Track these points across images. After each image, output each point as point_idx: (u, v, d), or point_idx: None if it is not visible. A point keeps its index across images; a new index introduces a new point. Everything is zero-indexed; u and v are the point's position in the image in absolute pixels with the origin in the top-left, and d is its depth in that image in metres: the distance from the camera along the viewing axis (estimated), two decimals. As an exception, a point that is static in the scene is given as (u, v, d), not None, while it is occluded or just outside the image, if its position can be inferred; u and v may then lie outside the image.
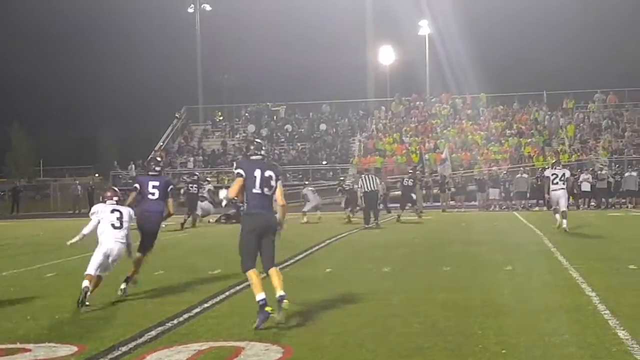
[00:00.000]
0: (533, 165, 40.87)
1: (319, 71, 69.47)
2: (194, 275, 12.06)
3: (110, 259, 9.69)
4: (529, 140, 46.07)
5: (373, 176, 24.58)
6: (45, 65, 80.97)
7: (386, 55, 63.43)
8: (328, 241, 18.15)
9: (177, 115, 52.92)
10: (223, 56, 71.04)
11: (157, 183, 10.39)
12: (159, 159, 13.97)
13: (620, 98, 50.74)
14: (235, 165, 8.98)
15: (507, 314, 8.21)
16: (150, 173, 10.63)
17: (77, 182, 47.21)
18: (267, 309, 7.76)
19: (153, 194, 10.42)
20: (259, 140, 9.20)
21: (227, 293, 10.04)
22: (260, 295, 7.89)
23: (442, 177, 37.31)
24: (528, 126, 48.30)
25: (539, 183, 34.68)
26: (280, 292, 7.99)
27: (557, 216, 19.29)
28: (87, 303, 9.09)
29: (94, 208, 10.20)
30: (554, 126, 48.14)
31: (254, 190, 8.22)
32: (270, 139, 51.30)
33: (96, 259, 9.57)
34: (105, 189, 11.74)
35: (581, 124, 48.55)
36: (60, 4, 75.31)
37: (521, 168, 37.26)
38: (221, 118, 55.92)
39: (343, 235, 20.23)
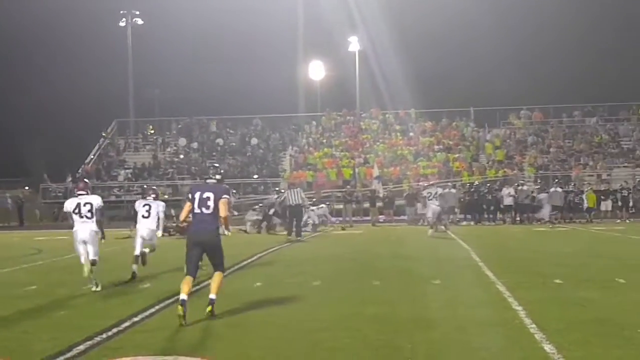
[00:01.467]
0: (461, 180, 41.53)
1: (250, 86, 69.28)
2: (123, 290, 11.87)
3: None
4: (457, 155, 46.82)
5: (298, 190, 25.23)
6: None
7: (316, 71, 63.75)
8: (258, 255, 18.07)
9: (103, 134, 52.13)
10: (154, 70, 70.35)
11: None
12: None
13: (546, 115, 52.04)
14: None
15: (436, 328, 8.28)
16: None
17: (7, 194, 46.15)
18: (179, 308, 8.78)
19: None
20: (216, 165, 10.94)
21: (156, 307, 9.90)
22: (182, 295, 9.01)
23: (371, 191, 37.62)
24: (455, 142, 49.08)
25: (467, 198, 35.39)
26: (211, 295, 9.29)
27: (430, 230, 24.30)
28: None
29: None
30: (481, 142, 49.07)
31: (195, 210, 9.63)
32: (202, 152, 51.00)
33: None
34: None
35: (507, 140, 49.60)
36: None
37: (449, 183, 37.78)
38: (152, 131, 55.33)
39: (273, 249, 20.17)
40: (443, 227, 27.72)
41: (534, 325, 8.24)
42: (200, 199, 9.63)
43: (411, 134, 51.12)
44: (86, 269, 12.07)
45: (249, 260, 16.71)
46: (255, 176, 46.35)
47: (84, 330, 8.39)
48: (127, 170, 49.11)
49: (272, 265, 16.02)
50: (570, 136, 49.55)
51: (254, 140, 51.94)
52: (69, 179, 46.33)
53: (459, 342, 7.52)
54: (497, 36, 70.43)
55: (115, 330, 8.42)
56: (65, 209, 12.73)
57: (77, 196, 12.61)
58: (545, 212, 32.83)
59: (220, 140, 52.34)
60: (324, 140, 50.89)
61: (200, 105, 60.97)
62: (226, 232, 10.29)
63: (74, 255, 18.46)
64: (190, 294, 9.15)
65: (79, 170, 49.05)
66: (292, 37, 59.74)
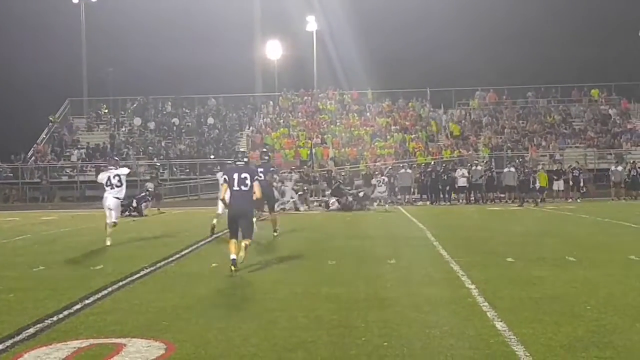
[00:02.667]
0: (417, 161, 41.78)
1: (206, 65, 68.68)
2: (75, 271, 11.74)
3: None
4: (413, 136, 47.05)
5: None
6: None
7: (274, 50, 63.42)
8: (215, 236, 18.00)
9: (51, 118, 51.24)
10: (108, 48, 69.35)
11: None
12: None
13: (500, 96, 52.52)
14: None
15: (390, 306, 8.33)
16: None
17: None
18: (232, 268, 11.06)
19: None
20: (242, 150, 13.04)
21: (109, 289, 9.80)
22: (232, 255, 11.27)
23: (328, 172, 37.70)
24: (412, 122, 49.31)
25: (423, 178, 35.65)
26: (232, 256, 11.28)
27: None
28: None
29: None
30: (437, 123, 49.40)
31: (234, 188, 11.61)
32: (157, 132, 50.51)
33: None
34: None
35: (463, 121, 49.97)
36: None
37: (405, 163, 37.99)
38: (106, 111, 54.58)
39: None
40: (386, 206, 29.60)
41: (486, 303, 8.35)
42: (239, 179, 11.69)
43: (368, 114, 51.22)
44: (108, 229, 16.06)
45: (206, 241, 16.65)
46: (212, 156, 46.09)
47: (33, 313, 8.29)
48: (80, 150, 48.43)
49: (227, 246, 15.96)
50: (523, 117, 50.09)
51: (210, 120, 51.59)
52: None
53: (413, 321, 7.58)
54: (453, 18, 70.95)
55: (66, 312, 8.32)
56: (98, 180, 16.97)
57: (108, 170, 16.54)
58: None
59: (176, 120, 51.87)
60: (281, 121, 50.74)
61: (155, 85, 60.29)
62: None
63: (23, 237, 18.42)
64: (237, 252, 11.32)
65: (32, 148, 48.30)
66: (249, 16, 59.28)
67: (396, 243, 15.68)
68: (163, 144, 48.88)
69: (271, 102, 53.81)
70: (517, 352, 6.34)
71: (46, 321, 7.85)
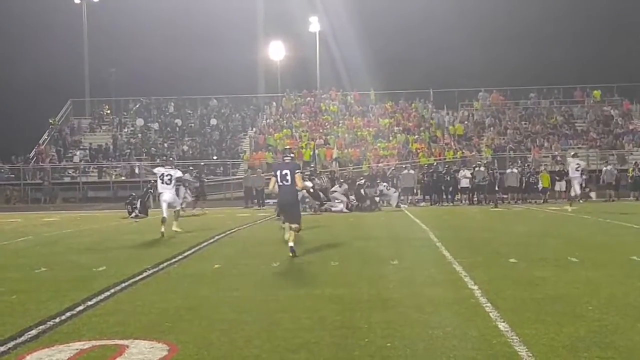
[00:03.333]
0: (419, 162, 41.79)
1: (209, 66, 68.79)
2: (77, 273, 11.73)
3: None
4: (416, 136, 47.06)
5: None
6: None
7: (277, 51, 63.46)
8: (217, 237, 18.02)
9: (51, 121, 51.26)
10: (111, 49, 69.43)
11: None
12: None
13: (503, 97, 52.53)
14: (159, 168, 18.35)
15: (393, 307, 8.33)
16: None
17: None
18: (290, 255, 13.14)
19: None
20: (288, 147, 16.31)
21: (111, 290, 9.81)
22: (290, 244, 13.42)
23: (331, 172, 37.72)
24: (415, 123, 49.30)
25: (425, 179, 35.64)
26: (290, 243, 13.37)
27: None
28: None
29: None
30: (439, 123, 49.40)
31: (279, 183, 13.56)
32: (160, 133, 50.53)
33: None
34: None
35: (466, 122, 49.97)
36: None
37: (408, 164, 38.00)
38: (108, 112, 54.64)
39: (232, 230, 20.13)
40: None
41: (489, 304, 8.34)
42: (281, 175, 13.52)
43: (371, 115, 51.24)
44: (164, 221, 18.26)
45: (208, 242, 16.66)
46: (215, 157, 46.13)
47: (35, 314, 8.28)
48: (82, 151, 48.48)
49: (230, 247, 15.99)
50: (526, 118, 50.08)
51: (213, 121, 51.60)
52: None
53: (416, 321, 7.59)
54: (456, 19, 70.92)
55: (69, 314, 8.32)
56: (154, 171, 20.52)
57: (164, 168, 19.23)
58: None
59: (178, 121, 51.90)
60: (284, 122, 50.76)
61: (157, 85, 60.42)
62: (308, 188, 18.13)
63: (25, 239, 18.47)
64: None
65: (34, 149, 48.35)
66: (252, 16, 59.48)
67: (399, 244, 15.68)
68: (166, 144, 48.90)
69: (274, 103, 53.85)
70: (520, 352, 6.34)
71: (48, 323, 7.85)
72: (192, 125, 51.59)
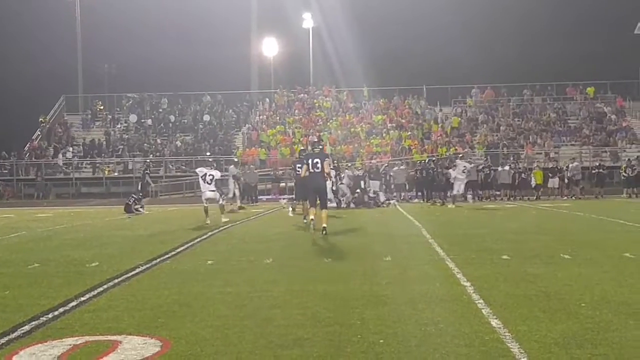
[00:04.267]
0: (412, 158, 41.81)
1: (203, 62, 68.69)
2: (70, 269, 11.71)
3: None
4: (409, 133, 47.09)
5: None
6: None
7: (270, 47, 63.42)
8: (210, 233, 18.01)
9: (41, 119, 51.03)
10: (104, 45, 69.23)
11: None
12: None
13: (496, 93, 52.57)
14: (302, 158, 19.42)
15: (386, 304, 8.34)
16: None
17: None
18: (311, 229, 17.01)
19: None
20: (315, 139, 20.94)
21: (104, 286, 9.80)
22: (310, 216, 17.46)
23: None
24: (408, 119, 49.34)
25: (417, 176, 35.60)
26: (323, 224, 16.34)
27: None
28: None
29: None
30: (433, 119, 49.44)
31: (310, 170, 16.74)
32: (153, 129, 50.44)
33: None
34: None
35: (459, 118, 50.04)
36: None
37: (399, 161, 38.00)
38: (102, 108, 54.50)
39: (225, 227, 20.11)
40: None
41: (481, 301, 8.36)
42: (312, 163, 16.67)
43: (364, 111, 51.25)
44: (206, 213, 20.73)
45: (201, 238, 16.65)
46: (208, 153, 46.11)
47: (29, 310, 8.27)
48: (76, 147, 48.37)
49: (223, 243, 15.98)
50: (519, 115, 50.16)
51: (206, 117, 51.55)
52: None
53: (409, 318, 7.60)
54: (450, 15, 70.93)
55: (61, 309, 8.31)
56: (197, 171, 22.06)
57: (205, 168, 21.39)
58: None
59: (172, 117, 51.83)
60: (277, 118, 50.73)
61: (151, 81, 60.31)
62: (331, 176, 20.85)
63: (18, 234, 18.44)
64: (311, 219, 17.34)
65: (27, 146, 48.23)
66: (246, 13, 59.36)
67: (392, 240, 15.70)
68: (159, 140, 48.83)
69: (267, 99, 53.82)
70: (512, 349, 6.35)
71: (41, 318, 7.84)
72: (185, 121, 51.52)
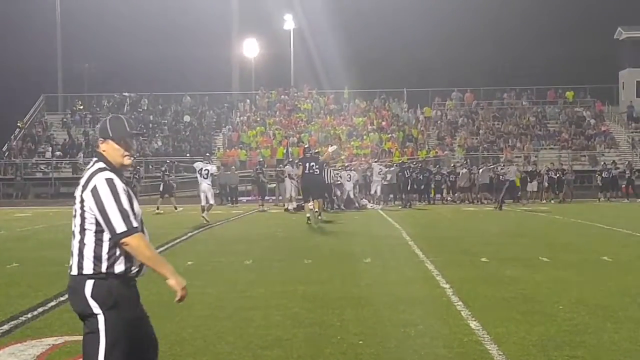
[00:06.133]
0: (392, 160, 41.87)
1: (183, 62, 68.49)
2: (49, 268, 11.66)
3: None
4: (390, 135, 47.17)
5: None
6: None
7: (251, 48, 63.32)
8: (190, 234, 17.98)
9: (19, 124, 50.52)
10: (84, 44, 68.74)
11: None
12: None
13: (476, 97, 52.78)
14: (298, 162, 23.15)
15: (365, 305, 8.38)
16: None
17: None
18: (308, 221, 20.01)
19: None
20: (307, 146, 25.07)
21: (83, 287, 9.73)
22: (307, 214, 20.52)
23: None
24: (388, 122, 49.44)
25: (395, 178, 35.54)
26: (316, 209, 20.58)
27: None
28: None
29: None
30: (412, 123, 49.57)
31: (306, 172, 20.55)
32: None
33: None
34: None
35: (439, 121, 50.19)
36: None
37: (377, 162, 37.96)
38: (81, 107, 54.09)
39: (205, 227, 20.07)
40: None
41: (460, 303, 8.42)
42: (309, 165, 20.62)
43: (345, 113, 51.29)
44: (205, 212, 21.28)
45: (181, 239, 16.61)
46: (188, 155, 45.94)
47: (7, 309, 8.24)
48: (54, 147, 48.02)
49: (204, 243, 15.97)
50: (499, 118, 50.40)
51: (187, 118, 51.40)
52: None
53: (388, 319, 7.64)
54: (431, 19, 71.16)
55: (40, 309, 8.28)
56: (194, 166, 22.69)
57: (203, 163, 22.40)
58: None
59: (152, 117, 51.62)
60: (258, 119, 50.66)
61: (131, 81, 59.89)
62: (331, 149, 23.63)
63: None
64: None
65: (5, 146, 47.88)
66: (227, 13, 59.12)
67: (372, 242, 15.75)
68: (139, 141, 48.62)
69: (248, 100, 53.70)
70: (491, 351, 6.40)
71: (20, 318, 7.81)
72: (165, 121, 51.35)
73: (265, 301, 8.67)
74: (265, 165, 36.53)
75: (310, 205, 20.70)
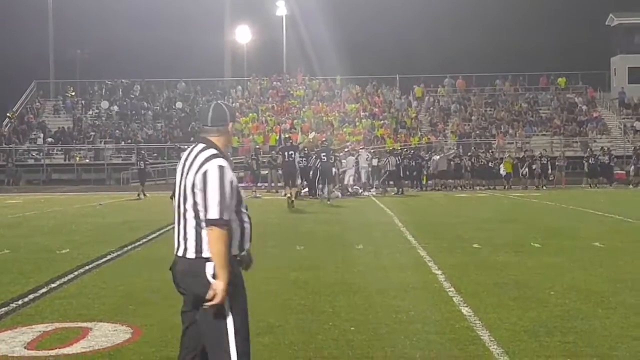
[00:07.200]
0: (384, 147, 41.83)
1: (175, 48, 68.16)
2: (40, 255, 11.63)
3: None
4: (382, 122, 47.14)
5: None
6: None
7: (243, 35, 63.07)
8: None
9: (9, 115, 50.19)
10: (76, 30, 68.32)
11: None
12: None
13: (468, 83, 52.73)
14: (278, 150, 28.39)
15: (357, 292, 8.38)
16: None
17: None
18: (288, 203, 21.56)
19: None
20: (287, 136, 31.01)
21: (75, 273, 9.74)
22: (288, 194, 22.34)
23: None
24: (381, 108, 49.38)
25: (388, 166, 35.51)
26: (290, 195, 22.07)
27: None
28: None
29: None
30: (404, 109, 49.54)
31: (286, 160, 23.96)
32: (125, 116, 50.01)
33: None
34: None
35: (431, 108, 50.16)
36: None
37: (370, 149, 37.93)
38: (73, 94, 53.81)
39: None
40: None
41: (452, 289, 8.43)
42: (288, 154, 23.63)
43: (337, 99, 51.20)
44: None
45: (173, 226, 16.54)
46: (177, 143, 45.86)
47: (-1, 296, 8.22)
48: (46, 134, 47.83)
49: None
50: (491, 105, 50.40)
51: (179, 104, 51.23)
52: None
53: (380, 306, 7.64)
54: (423, 5, 70.97)
55: (32, 296, 8.26)
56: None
57: None
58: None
59: (144, 104, 51.43)
60: (251, 105, 50.54)
61: (123, 67, 59.63)
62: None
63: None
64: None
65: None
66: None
67: (364, 229, 15.75)
68: (131, 127, 48.45)
69: (240, 87, 53.54)
70: (482, 336, 6.41)
71: (11, 305, 7.79)
72: (158, 108, 51.16)
73: (257, 288, 8.63)
74: (262, 152, 36.32)
75: (288, 190, 22.71)
